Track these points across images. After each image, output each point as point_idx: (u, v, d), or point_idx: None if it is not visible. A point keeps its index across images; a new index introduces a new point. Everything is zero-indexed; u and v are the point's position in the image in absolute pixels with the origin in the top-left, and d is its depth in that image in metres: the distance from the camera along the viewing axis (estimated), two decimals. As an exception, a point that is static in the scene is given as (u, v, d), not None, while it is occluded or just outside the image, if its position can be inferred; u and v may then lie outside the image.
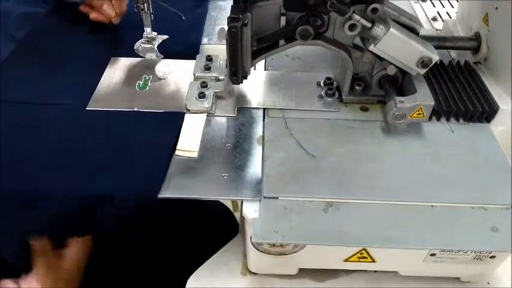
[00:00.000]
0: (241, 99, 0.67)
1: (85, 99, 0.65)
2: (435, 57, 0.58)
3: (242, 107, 0.66)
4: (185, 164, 0.58)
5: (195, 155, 0.58)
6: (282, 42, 0.61)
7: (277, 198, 0.54)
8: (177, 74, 0.71)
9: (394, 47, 0.57)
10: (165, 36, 0.75)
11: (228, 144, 0.60)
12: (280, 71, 0.73)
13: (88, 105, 0.65)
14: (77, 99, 0.65)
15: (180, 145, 0.60)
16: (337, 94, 0.67)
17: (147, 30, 0.73)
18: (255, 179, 0.56)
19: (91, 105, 0.65)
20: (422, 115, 0.58)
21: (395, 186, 0.55)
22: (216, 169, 0.57)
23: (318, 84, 0.69)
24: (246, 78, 0.62)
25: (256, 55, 0.62)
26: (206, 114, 0.64)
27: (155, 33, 0.74)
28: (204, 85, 0.66)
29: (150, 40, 0.74)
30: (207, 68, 0.70)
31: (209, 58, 0.71)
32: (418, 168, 0.57)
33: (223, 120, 0.64)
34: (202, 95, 0.65)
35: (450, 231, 0.51)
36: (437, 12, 0.89)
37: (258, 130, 0.62)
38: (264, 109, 0.66)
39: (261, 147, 0.60)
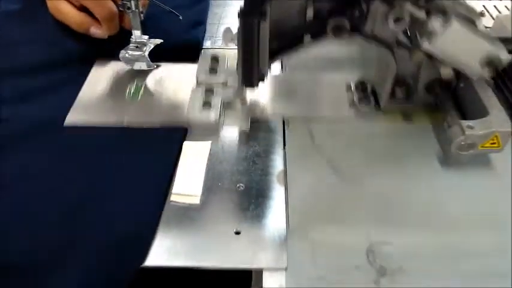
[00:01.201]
0: (254, 108, 0.55)
1: (62, 112, 0.53)
2: (506, 56, 0.45)
3: (256, 118, 0.54)
4: (183, 214, 0.43)
5: (196, 200, 0.44)
6: (307, 38, 0.49)
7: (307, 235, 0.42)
8: (176, 79, 0.59)
9: (455, 44, 0.44)
10: (159, 41, 0.60)
11: (240, 185, 0.46)
12: (301, 73, 0.60)
13: (66, 120, 0.52)
14: (53, 111, 0.53)
15: (177, 188, 0.45)
16: (373, 101, 0.54)
17: (136, 33, 0.58)
18: (278, 237, 0.42)
19: (69, 119, 0.52)
20: (497, 144, 0.45)
21: (456, 221, 0.43)
22: (224, 221, 0.43)
23: (349, 88, 0.57)
24: (263, 80, 0.50)
25: (274, 54, 0.49)
26: (210, 142, 0.50)
27: (146, 37, 0.59)
28: (209, 92, 0.54)
29: (139, 46, 0.59)
30: (213, 71, 0.57)
31: (215, 59, 0.59)
32: (484, 199, 0.45)
33: (233, 145, 0.50)
34: (207, 104, 0.52)
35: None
36: (484, 6, 0.75)
37: (278, 162, 0.48)
38: (283, 120, 0.53)
39: (282, 188, 0.46)
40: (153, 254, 0.40)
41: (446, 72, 0.47)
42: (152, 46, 0.59)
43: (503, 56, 0.45)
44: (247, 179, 0.47)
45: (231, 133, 0.52)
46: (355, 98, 0.55)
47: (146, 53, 0.59)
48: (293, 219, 0.43)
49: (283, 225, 0.43)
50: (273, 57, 0.50)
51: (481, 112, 0.46)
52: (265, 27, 0.45)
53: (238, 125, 0.53)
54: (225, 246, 0.41)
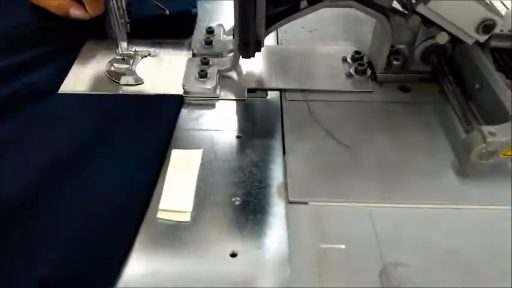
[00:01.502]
0: (250, 79, 0.55)
1: (57, 80, 0.52)
2: (499, 19, 0.46)
3: (252, 89, 0.53)
4: (171, 233, 0.38)
5: (186, 217, 0.39)
6: (304, 4, 0.49)
7: (307, 203, 0.42)
8: (171, 51, 0.58)
9: (450, 6, 0.45)
10: (147, 52, 0.57)
11: (236, 198, 0.41)
12: (296, 46, 0.60)
13: (61, 88, 0.52)
14: (48, 79, 0.52)
15: (164, 203, 0.40)
16: (369, 71, 0.54)
17: (122, 45, 0.54)
18: (280, 259, 0.36)
19: (64, 87, 0.52)
20: None
21: (455, 185, 0.43)
22: (218, 241, 0.38)
23: (344, 59, 0.57)
24: (259, 50, 0.49)
25: (271, 22, 0.49)
26: (202, 150, 0.45)
27: (133, 49, 0.55)
28: (205, 61, 0.53)
29: (126, 58, 0.54)
30: (208, 43, 0.57)
31: (210, 30, 0.58)
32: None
33: (227, 153, 0.45)
34: (203, 74, 0.52)
35: None
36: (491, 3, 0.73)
37: (277, 173, 0.43)
38: (280, 91, 0.53)
39: (283, 202, 0.41)
40: (137, 280, 0.35)
41: (442, 38, 0.47)
42: (140, 59, 0.55)
43: (498, 19, 0.45)
44: (244, 192, 0.41)
45: (227, 104, 0.51)
46: (351, 69, 0.55)
47: (134, 67, 0.54)
48: (293, 190, 0.42)
49: (286, 245, 0.37)
50: (269, 25, 0.49)
51: (502, 116, 0.42)
52: (262, -10, 0.45)
53: (235, 96, 0.53)
54: (220, 271, 0.36)
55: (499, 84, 0.44)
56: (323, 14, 0.51)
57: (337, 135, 0.47)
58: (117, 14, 0.51)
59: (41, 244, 0.37)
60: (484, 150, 0.41)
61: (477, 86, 0.47)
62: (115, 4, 0.50)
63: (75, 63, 0.55)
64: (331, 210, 0.41)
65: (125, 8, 0.51)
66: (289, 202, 0.41)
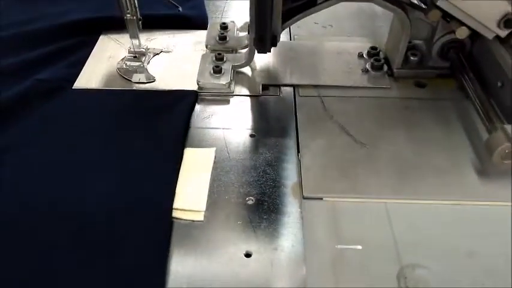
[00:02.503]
0: (265, 74, 0.54)
1: (71, 76, 0.52)
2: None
3: (265, 86, 0.53)
4: (185, 232, 0.38)
5: (200, 216, 0.39)
6: (321, -2, 0.48)
7: (322, 199, 0.41)
8: (184, 47, 0.58)
9: (472, 0, 0.44)
10: (158, 50, 0.56)
11: (250, 198, 0.40)
12: (311, 41, 0.60)
13: (75, 83, 0.51)
14: (62, 75, 0.52)
15: (178, 202, 0.40)
16: (386, 67, 0.53)
17: (134, 42, 0.54)
18: (295, 260, 0.36)
19: (79, 83, 0.51)
20: None
21: (474, 183, 0.42)
22: (232, 241, 0.37)
23: (360, 55, 0.56)
24: (275, 45, 0.49)
25: (287, 16, 0.49)
26: (215, 149, 0.45)
27: (145, 46, 0.55)
28: (219, 57, 0.53)
29: (138, 56, 0.54)
30: (222, 38, 0.56)
31: (224, 26, 0.58)
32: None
33: (241, 151, 0.45)
34: (218, 70, 0.51)
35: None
36: None
37: (292, 172, 0.43)
38: (294, 87, 0.52)
39: (298, 201, 0.40)
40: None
41: (462, 32, 0.46)
42: (152, 56, 0.55)
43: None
44: (258, 191, 0.41)
45: (240, 101, 0.51)
46: (367, 65, 0.54)
47: (145, 64, 0.54)
48: (307, 185, 0.41)
49: (301, 245, 0.37)
50: (285, 20, 0.49)
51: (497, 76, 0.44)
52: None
53: (249, 91, 0.52)
54: (234, 272, 0.35)
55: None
56: (337, 9, 0.51)
57: (352, 131, 0.47)
58: (129, 11, 0.50)
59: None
60: (507, 151, 0.40)
61: (499, 83, 0.46)
62: (127, 1, 0.49)
63: (89, 59, 0.55)
64: (346, 206, 0.40)
65: (137, 5, 0.50)
66: (304, 198, 0.41)
